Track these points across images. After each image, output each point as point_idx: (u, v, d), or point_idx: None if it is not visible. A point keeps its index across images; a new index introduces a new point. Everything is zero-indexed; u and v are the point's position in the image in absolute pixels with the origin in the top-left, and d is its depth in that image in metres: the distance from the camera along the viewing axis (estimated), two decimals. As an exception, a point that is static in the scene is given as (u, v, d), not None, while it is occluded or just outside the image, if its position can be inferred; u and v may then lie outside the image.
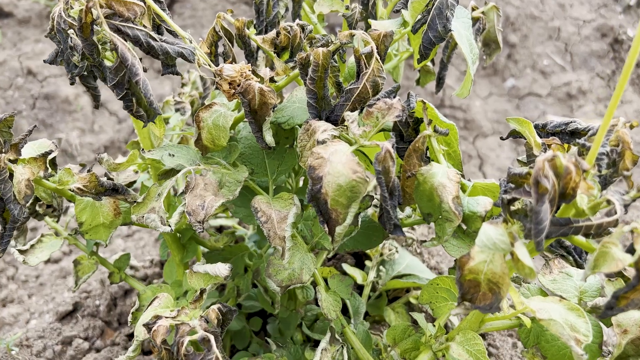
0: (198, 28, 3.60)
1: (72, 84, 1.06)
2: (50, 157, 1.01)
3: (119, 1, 0.82)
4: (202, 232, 0.95)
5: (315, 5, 1.26)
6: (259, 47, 1.18)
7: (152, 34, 0.87)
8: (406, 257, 1.66)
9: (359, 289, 1.66)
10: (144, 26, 0.97)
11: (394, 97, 0.89)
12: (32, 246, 1.30)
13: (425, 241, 0.88)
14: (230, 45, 1.17)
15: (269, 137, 0.99)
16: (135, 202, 1.06)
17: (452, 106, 3.91)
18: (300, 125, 1.03)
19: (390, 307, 1.55)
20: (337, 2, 1.25)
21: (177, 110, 1.45)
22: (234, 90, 0.96)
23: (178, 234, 1.30)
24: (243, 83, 0.94)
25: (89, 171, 1.19)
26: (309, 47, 1.09)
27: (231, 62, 1.18)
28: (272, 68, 1.10)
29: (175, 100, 1.46)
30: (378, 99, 0.86)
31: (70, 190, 1.00)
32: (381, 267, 1.58)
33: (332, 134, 0.89)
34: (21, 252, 1.27)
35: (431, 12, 1.02)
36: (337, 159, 0.83)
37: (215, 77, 0.96)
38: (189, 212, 0.96)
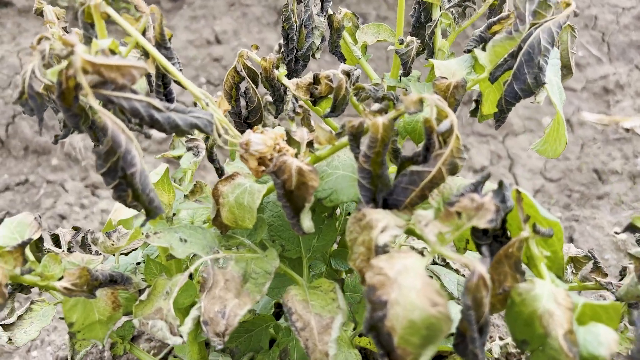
0: (210, 19, 3.35)
1: (54, 143, 0.84)
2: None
3: (109, 66, 0.60)
4: (222, 345, 0.74)
5: (358, 33, 1.02)
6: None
7: (156, 102, 0.65)
8: (452, 308, 1.44)
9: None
10: (151, 83, 0.75)
11: (481, 188, 0.67)
12: (19, 317, 1.09)
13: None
14: (255, 88, 0.95)
15: (307, 223, 0.76)
16: (139, 290, 0.85)
17: (480, 102, 3.65)
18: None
19: (434, 371, 1.34)
20: (384, 29, 1.01)
21: (189, 149, 1.22)
22: (264, 168, 0.74)
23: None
24: (277, 160, 0.72)
25: (84, 241, 0.98)
26: (355, 97, 0.86)
27: (256, 109, 0.95)
28: (308, 125, 0.87)
29: (187, 136, 1.23)
30: (462, 195, 0.64)
31: (57, 288, 0.79)
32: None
33: (395, 234, 0.67)
34: (5, 327, 1.06)
35: (518, 58, 0.79)
36: (409, 283, 0.60)
37: (239, 149, 0.73)
38: (206, 321, 0.75)
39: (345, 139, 0.75)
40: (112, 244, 0.85)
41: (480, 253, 0.74)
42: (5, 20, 3.40)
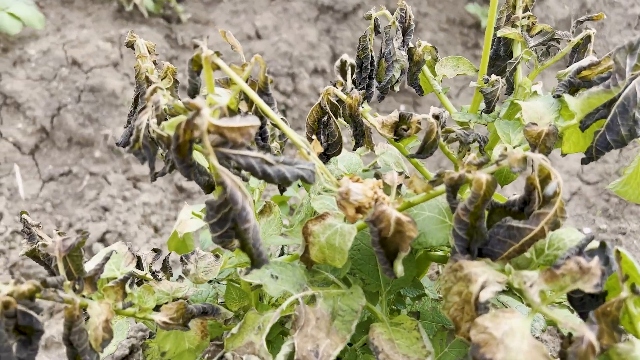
0: (250, 14, 3.35)
1: (153, 180, 0.87)
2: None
3: (231, 128, 0.62)
4: (314, 383, 0.77)
5: (438, 66, 1.03)
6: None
7: (267, 157, 0.67)
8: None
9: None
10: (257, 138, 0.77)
11: (585, 246, 0.68)
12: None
13: None
14: (336, 121, 0.96)
15: (399, 268, 0.78)
16: (226, 321, 0.88)
17: (519, 102, 3.61)
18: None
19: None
20: (463, 63, 1.02)
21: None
22: (361, 215, 0.75)
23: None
24: (375, 209, 0.74)
25: (165, 263, 1.01)
26: (443, 140, 0.88)
27: (337, 143, 0.97)
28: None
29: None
30: (567, 257, 0.65)
31: (154, 322, 0.82)
32: None
33: (496, 290, 0.69)
34: (85, 341, 1.11)
35: (612, 110, 0.79)
36: (516, 345, 0.62)
37: (337, 197, 0.75)
38: (299, 359, 0.78)
39: (440, 188, 0.77)
40: (203, 275, 0.88)
41: (574, 306, 0.76)
42: (49, 11, 3.45)
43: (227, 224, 0.68)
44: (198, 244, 2.10)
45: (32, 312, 0.68)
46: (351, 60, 1.11)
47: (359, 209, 0.75)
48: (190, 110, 0.67)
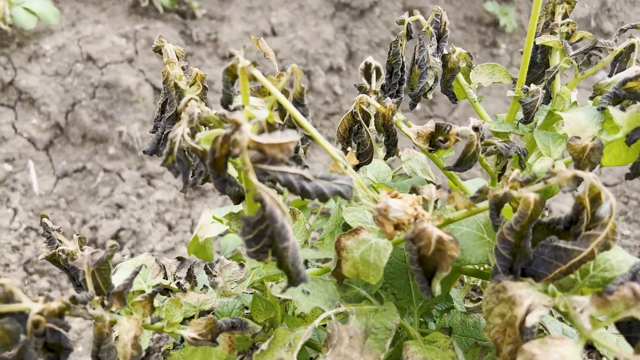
0: (266, 11, 3.32)
1: (183, 191, 0.84)
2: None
3: (272, 144, 0.59)
4: (348, 403, 0.74)
5: (472, 74, 0.99)
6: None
7: (305, 173, 0.64)
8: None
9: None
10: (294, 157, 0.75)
11: (638, 270, 0.65)
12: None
13: None
14: (369, 131, 0.93)
15: (438, 287, 0.76)
16: (255, 334, 0.86)
17: (536, 102, 3.56)
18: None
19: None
20: (499, 70, 0.98)
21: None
22: (399, 232, 0.73)
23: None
24: (415, 227, 0.71)
25: (190, 272, 0.99)
26: (482, 152, 0.84)
27: (368, 152, 0.94)
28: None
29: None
30: (621, 283, 0.62)
31: (182, 335, 0.80)
32: None
33: (542, 314, 0.66)
34: (106, 348, 1.09)
35: (662, 124, 0.76)
36: (566, 376, 0.59)
37: (375, 213, 0.73)
38: (332, 379, 0.75)
39: (482, 205, 0.74)
40: (232, 288, 0.85)
41: (620, 330, 0.73)
42: (63, 5, 3.43)
43: (263, 240, 0.66)
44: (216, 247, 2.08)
45: (61, 330, 0.66)
46: (376, 62, 1.08)
47: (397, 226, 0.72)
48: (226, 123, 0.65)
